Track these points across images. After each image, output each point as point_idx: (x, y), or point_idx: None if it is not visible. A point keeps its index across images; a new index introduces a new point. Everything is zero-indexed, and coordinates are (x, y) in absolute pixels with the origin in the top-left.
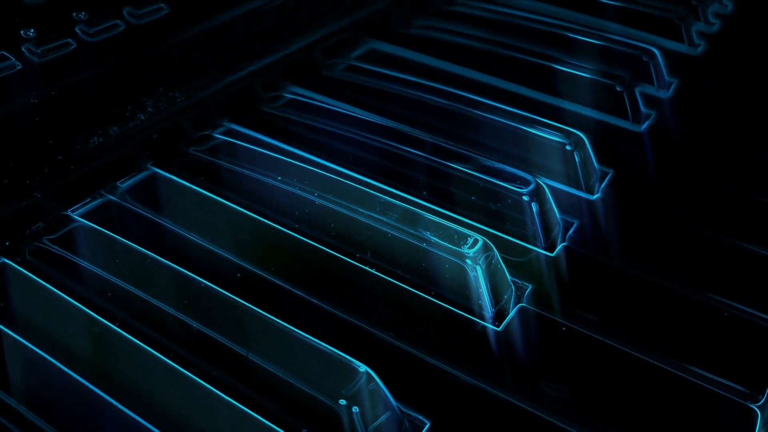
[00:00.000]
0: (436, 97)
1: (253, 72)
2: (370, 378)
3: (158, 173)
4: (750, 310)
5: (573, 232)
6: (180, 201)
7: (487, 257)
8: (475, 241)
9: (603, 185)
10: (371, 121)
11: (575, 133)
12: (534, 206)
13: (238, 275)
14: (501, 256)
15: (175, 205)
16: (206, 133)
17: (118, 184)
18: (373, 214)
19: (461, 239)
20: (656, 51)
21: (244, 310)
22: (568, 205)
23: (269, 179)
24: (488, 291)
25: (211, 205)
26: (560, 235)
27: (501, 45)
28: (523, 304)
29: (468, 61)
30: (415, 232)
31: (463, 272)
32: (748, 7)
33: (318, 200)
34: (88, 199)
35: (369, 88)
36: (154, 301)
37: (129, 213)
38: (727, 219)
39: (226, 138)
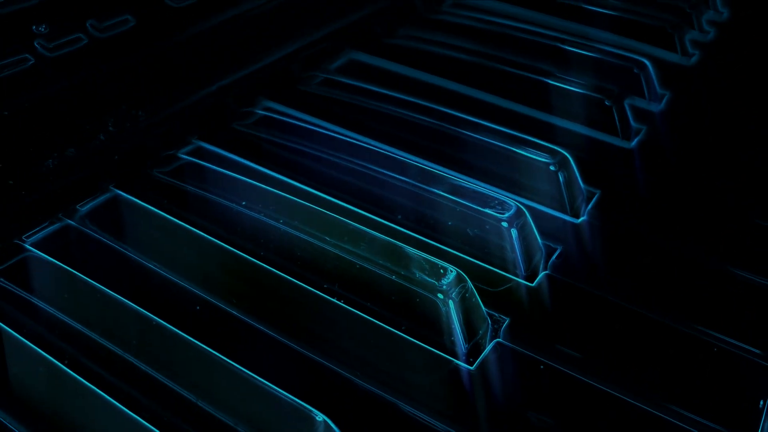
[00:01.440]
0: (416, 113)
1: (224, 87)
2: (328, 428)
3: (120, 195)
4: (743, 345)
5: (556, 259)
6: (142, 225)
7: (460, 289)
8: (448, 273)
9: (589, 207)
10: (346, 140)
11: (560, 152)
12: (514, 232)
13: (198, 308)
14: (477, 287)
15: (137, 230)
16: (172, 152)
17: (77, 207)
18: (342, 243)
19: (433, 270)
20: (647, 62)
21: (197, 352)
22: (551, 229)
23: (233, 204)
24: (461, 326)
25: (173, 231)
26: (542, 262)
27: (487, 56)
28: (500, 340)
29: (452, 73)
30: (385, 263)
31: (434, 306)
32: (745, 14)
33: (283, 227)
34: (46, 224)
35: (346, 103)
36: (102, 341)
37: (88, 239)
38: (723, 244)
39: (192, 159)
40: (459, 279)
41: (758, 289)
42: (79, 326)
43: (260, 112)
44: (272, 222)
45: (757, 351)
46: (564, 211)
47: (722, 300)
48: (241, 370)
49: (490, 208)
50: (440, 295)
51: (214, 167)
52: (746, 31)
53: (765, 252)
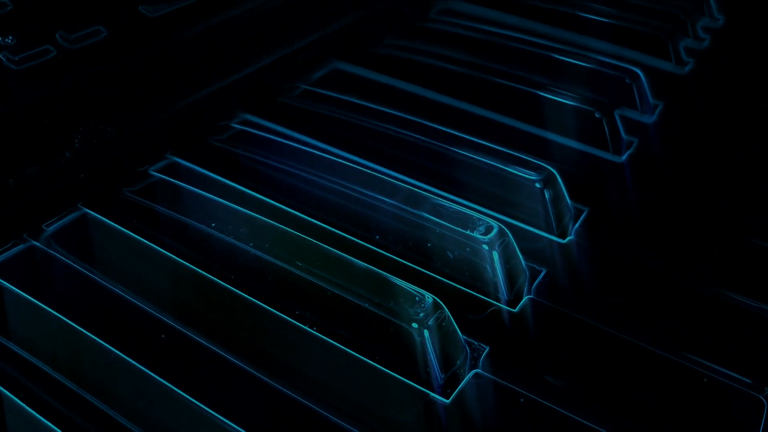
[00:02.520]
0: (399, 127)
1: (200, 100)
2: None
3: (89, 215)
4: (733, 374)
5: (540, 282)
6: (110, 247)
7: (437, 317)
8: (424, 300)
9: (576, 226)
10: (324, 156)
11: (546, 169)
12: (495, 254)
13: (163, 336)
14: (456, 313)
15: (105, 251)
16: (143, 168)
17: (43, 227)
18: (314, 268)
19: (409, 297)
20: (640, 72)
21: (158, 387)
22: (536, 249)
23: (204, 225)
24: (437, 356)
25: (141, 252)
26: (526, 285)
27: (475, 66)
28: (479, 370)
29: (439, 84)
30: (359, 290)
31: (409, 336)
32: (741, 20)
33: (253, 250)
34: (10, 244)
35: (327, 116)
36: (57, 375)
37: (53, 262)
38: (717, 266)
39: (163, 176)
40: (435, 306)
41: (751, 314)
42: (39, 363)
43: (237, 126)
44: (242, 245)
45: (747, 380)
46: (550, 231)
47: (714, 326)
48: (203, 408)
49: (471, 229)
50: (415, 325)
51: (186, 185)
52: (743, 38)
53: (760, 274)
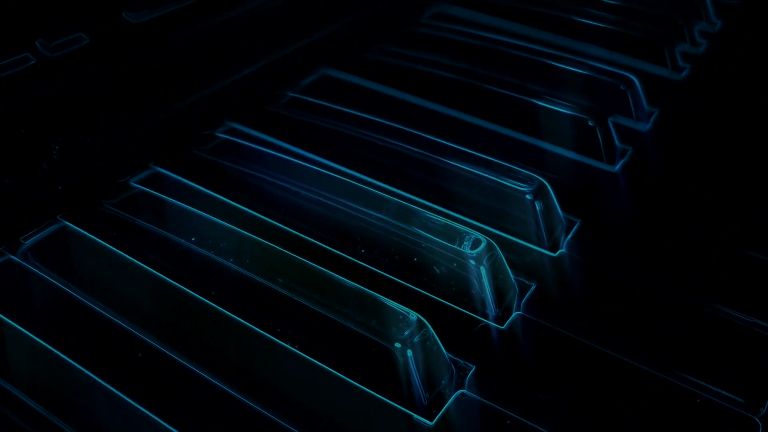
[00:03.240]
0: (388, 137)
1: (185, 108)
2: None
3: (68, 227)
4: (728, 394)
5: (530, 298)
6: (89, 261)
7: (421, 336)
8: (408, 318)
9: (568, 238)
10: (311, 168)
11: (537, 179)
12: (483, 269)
13: (140, 354)
14: (441, 331)
15: (84, 266)
16: (124, 180)
17: (21, 240)
18: (296, 285)
19: (392, 316)
20: (635, 78)
21: (131, 411)
22: (526, 263)
23: (184, 239)
24: (421, 376)
25: (120, 267)
26: (515, 301)
27: (466, 73)
28: (464, 390)
29: (430, 91)
30: (341, 308)
31: (392, 356)
32: (739, 24)
33: (233, 266)
34: None
35: (315, 125)
36: (27, 399)
37: (30, 276)
38: (713, 280)
39: (143, 188)
40: (420, 325)
41: (747, 330)
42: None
43: (222, 135)
44: (223, 260)
45: (741, 401)
46: (540, 244)
47: (708, 343)
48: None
49: (459, 243)
50: (398, 344)
51: (167, 198)
52: (740, 43)
53: (756, 288)
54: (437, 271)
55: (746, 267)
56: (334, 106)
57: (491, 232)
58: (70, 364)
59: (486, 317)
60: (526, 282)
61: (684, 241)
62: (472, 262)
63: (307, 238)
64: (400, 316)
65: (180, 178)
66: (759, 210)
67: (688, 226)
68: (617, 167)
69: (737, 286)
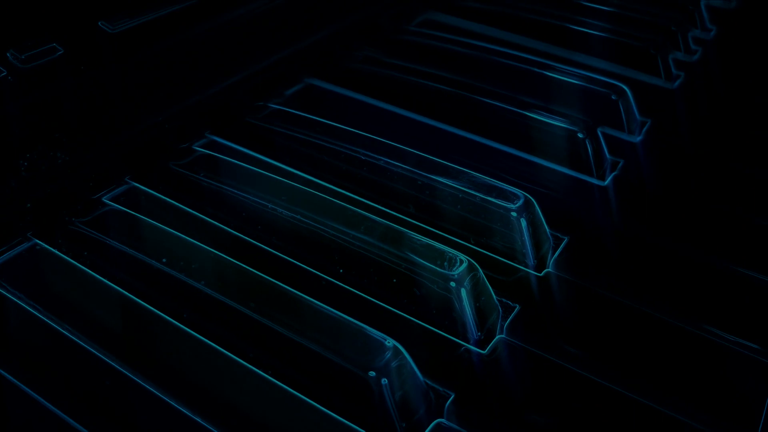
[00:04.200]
0: (371, 152)
1: (163, 120)
2: None
3: (39, 245)
4: (721, 422)
5: (514, 320)
6: (60, 281)
7: (398, 364)
8: (384, 347)
9: (555, 256)
10: (289, 184)
11: (523, 196)
12: (463, 291)
13: (107, 382)
14: (420, 357)
15: (56, 286)
16: (97, 196)
17: None
18: (268, 309)
19: (366, 342)
20: (626, 88)
21: None
22: (511, 283)
23: (154, 260)
24: (396, 406)
25: (91, 288)
26: (498, 323)
27: (454, 84)
28: (442, 420)
29: (415, 102)
30: (315, 334)
31: (365, 385)
32: (734, 31)
33: (206, 289)
34: None
35: (296, 138)
36: None
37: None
38: (704, 303)
39: (116, 205)
40: (396, 352)
41: (736, 353)
42: None
43: (201, 149)
44: (193, 282)
45: (735, 426)
46: (526, 263)
47: (698, 367)
48: None
49: (440, 263)
50: (372, 373)
51: (139, 215)
52: (736, 49)
53: (748, 309)
54: (417, 292)
55: (739, 287)
56: (317, 119)
57: (475, 250)
58: (31, 396)
59: (467, 341)
60: (510, 303)
61: (676, 259)
62: (453, 283)
63: (284, 256)
64: (376, 343)
65: (156, 193)
66: (754, 225)
67: (680, 243)
68: (607, 181)
69: (728, 307)
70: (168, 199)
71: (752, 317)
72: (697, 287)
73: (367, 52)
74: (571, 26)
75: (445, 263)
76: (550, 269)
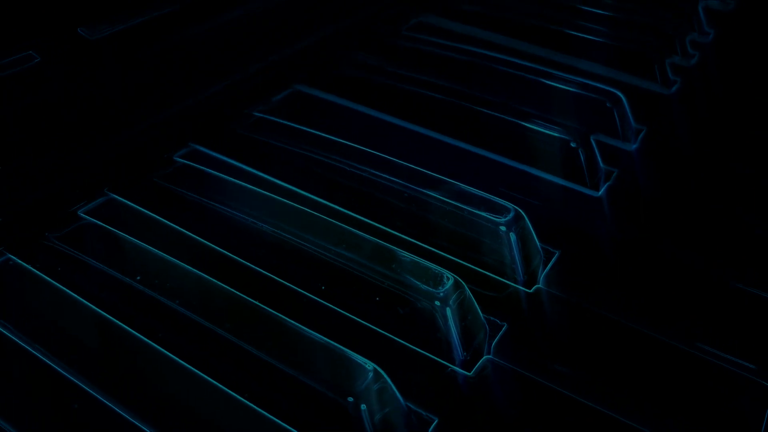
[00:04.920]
0: (359, 163)
1: (143, 131)
2: None
3: (12, 260)
4: None
5: (502, 339)
6: (33, 299)
7: (379, 388)
8: (364, 371)
9: (546, 271)
10: (274, 198)
11: (513, 209)
12: (448, 310)
13: (75, 406)
14: (403, 381)
15: (28, 303)
16: (73, 209)
17: None
18: (246, 331)
19: (346, 366)
20: (621, 95)
21: None
22: (500, 300)
23: (128, 278)
24: (376, 430)
25: (64, 305)
26: (485, 343)
27: (446, 91)
28: None
29: (405, 109)
30: (293, 357)
31: (344, 411)
32: (733, 34)
33: (180, 309)
34: None
35: (281, 148)
36: None
37: None
38: (698, 318)
39: (91, 219)
40: (377, 376)
41: (729, 372)
42: None
43: (182, 160)
44: (168, 302)
45: None
46: (515, 278)
47: (693, 392)
48: None
49: (424, 280)
50: (351, 398)
51: (114, 230)
52: (735, 53)
53: (743, 325)
54: (401, 311)
55: (736, 303)
56: (303, 128)
57: (463, 266)
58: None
59: (452, 362)
60: (498, 322)
61: (672, 273)
62: (438, 302)
63: (265, 272)
64: (356, 366)
65: (135, 206)
66: (754, 235)
67: (676, 257)
68: (601, 191)
69: (725, 324)
70: (147, 212)
71: (748, 335)
72: (693, 303)
73: (357, 57)
74: (567, 30)
75: (431, 281)
76: (540, 285)
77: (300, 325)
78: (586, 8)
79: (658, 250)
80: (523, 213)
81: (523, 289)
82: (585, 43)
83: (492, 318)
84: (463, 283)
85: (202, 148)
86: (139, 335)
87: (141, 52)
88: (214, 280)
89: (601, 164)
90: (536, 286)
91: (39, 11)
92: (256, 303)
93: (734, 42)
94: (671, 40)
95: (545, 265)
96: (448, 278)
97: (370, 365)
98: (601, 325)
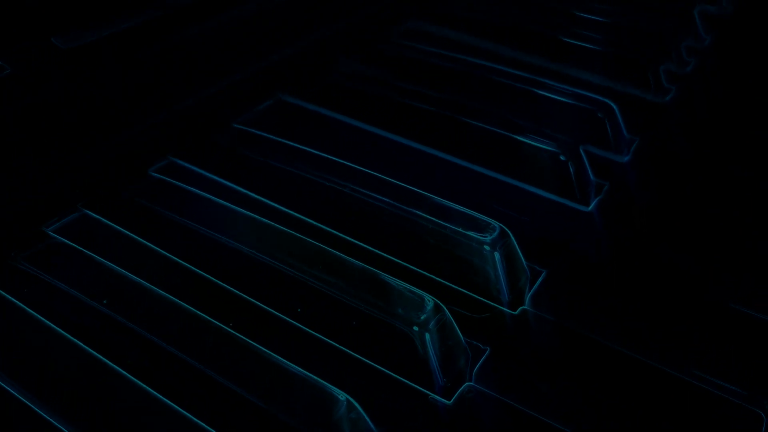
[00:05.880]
0: (342, 180)
1: (118, 143)
2: None
3: None
4: None
5: (484, 365)
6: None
7: (354, 418)
8: (338, 402)
9: (532, 292)
10: (252, 218)
11: (498, 227)
12: (427, 336)
13: None
14: (379, 407)
15: None
16: (45, 226)
17: None
18: (213, 358)
19: (318, 396)
20: (613, 105)
21: None
22: (484, 323)
23: (95, 302)
24: None
25: (33, 330)
26: (467, 369)
27: (433, 101)
28: None
29: (393, 120)
30: (261, 386)
31: None
32: (730, 39)
33: (147, 334)
34: None
35: (261, 163)
36: None
37: None
38: (693, 341)
39: (60, 238)
40: (350, 407)
41: (724, 400)
42: None
43: (157, 175)
44: (135, 327)
45: None
46: (500, 299)
47: (685, 419)
48: None
49: (401, 304)
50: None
51: (83, 249)
52: (733, 58)
53: (740, 348)
54: (378, 335)
55: (729, 323)
56: (286, 141)
57: (445, 286)
58: None
59: (431, 389)
60: (481, 346)
61: (664, 294)
62: (416, 327)
63: (239, 293)
64: (328, 397)
65: (109, 222)
66: (746, 256)
67: (668, 278)
68: (591, 206)
69: (717, 349)
70: (122, 230)
71: (740, 358)
72: (686, 326)
73: (344, 66)
74: (560, 37)
75: (409, 304)
76: (526, 306)
77: (271, 353)
78: (580, 14)
79: (650, 267)
80: (508, 231)
81: (508, 311)
82: (578, 50)
83: (474, 342)
84: (443, 306)
85: (180, 162)
86: (107, 361)
87: (117, 60)
88: (186, 305)
89: (592, 177)
90: (522, 307)
91: (10, 20)
92: (227, 328)
93: (732, 47)
94: (666, 47)
95: (532, 285)
96: (428, 301)
97: (342, 396)
98: (590, 350)
